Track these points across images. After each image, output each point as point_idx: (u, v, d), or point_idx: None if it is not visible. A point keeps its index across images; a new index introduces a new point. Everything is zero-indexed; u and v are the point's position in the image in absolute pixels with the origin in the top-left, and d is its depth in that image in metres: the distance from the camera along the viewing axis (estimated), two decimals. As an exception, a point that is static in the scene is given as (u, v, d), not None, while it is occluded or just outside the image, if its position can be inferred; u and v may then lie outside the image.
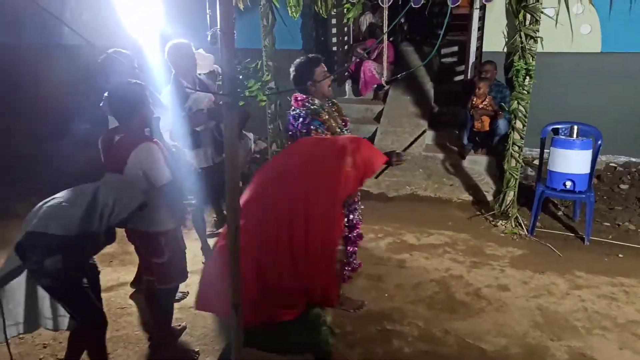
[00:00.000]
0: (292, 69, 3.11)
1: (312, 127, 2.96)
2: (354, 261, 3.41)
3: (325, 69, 3.08)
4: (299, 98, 3.08)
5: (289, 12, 4.99)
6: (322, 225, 2.25)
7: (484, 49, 6.29)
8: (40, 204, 2.42)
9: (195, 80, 3.67)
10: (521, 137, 4.52)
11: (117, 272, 4.03)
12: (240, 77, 1.83)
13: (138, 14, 3.68)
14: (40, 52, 7.31)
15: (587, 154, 4.19)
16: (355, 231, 3.31)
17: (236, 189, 2.02)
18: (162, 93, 3.58)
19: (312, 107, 3.03)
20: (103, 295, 3.64)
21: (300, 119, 3.01)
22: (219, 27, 1.77)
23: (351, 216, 3.24)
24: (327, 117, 3.06)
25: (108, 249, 4.34)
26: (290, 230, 2.24)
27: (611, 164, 5.91)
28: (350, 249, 3.34)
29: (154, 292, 2.97)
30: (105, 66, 3.47)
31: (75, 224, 2.32)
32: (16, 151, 6.48)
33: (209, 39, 3.26)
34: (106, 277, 3.93)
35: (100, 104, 3.33)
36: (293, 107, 3.10)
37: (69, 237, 2.31)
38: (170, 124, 3.50)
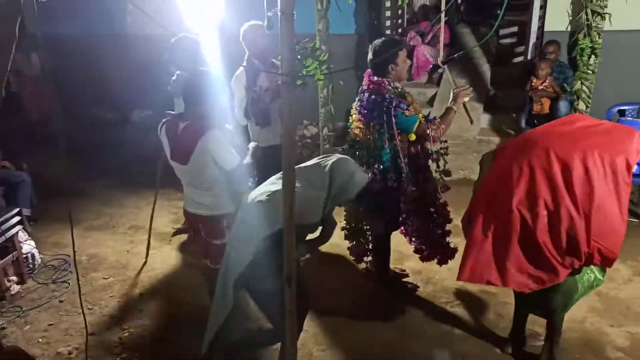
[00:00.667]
0: (371, 51, 3.01)
1: (399, 109, 2.87)
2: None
3: (406, 52, 3.02)
4: (375, 80, 2.98)
5: (344, -5, 4.98)
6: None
7: (545, 29, 6.01)
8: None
9: (268, 61, 3.70)
10: (584, 119, 4.32)
11: (176, 250, 4.24)
12: (299, 57, 1.88)
13: (197, 3, 3.80)
14: (106, 41, 7.69)
15: (656, 136, 3.95)
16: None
17: (292, 167, 2.08)
18: (236, 73, 3.67)
19: (397, 89, 2.98)
20: (162, 271, 3.91)
21: (386, 102, 2.88)
22: (279, 8, 1.83)
23: None
24: (411, 99, 3.02)
25: (168, 228, 4.60)
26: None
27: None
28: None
29: (211, 273, 3.09)
30: (176, 49, 3.61)
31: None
32: (85, 137, 6.88)
33: (265, 23, 3.32)
34: (166, 254, 4.17)
35: (168, 87, 3.46)
36: (367, 91, 3.01)
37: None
38: (243, 102, 3.62)
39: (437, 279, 3.61)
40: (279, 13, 1.76)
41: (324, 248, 4.11)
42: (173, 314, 3.38)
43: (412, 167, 3.04)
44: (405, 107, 2.90)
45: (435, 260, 3.32)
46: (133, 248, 4.27)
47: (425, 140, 3.03)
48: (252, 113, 3.64)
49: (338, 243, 3.51)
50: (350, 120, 3.19)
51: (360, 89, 3.11)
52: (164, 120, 2.90)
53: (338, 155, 2.46)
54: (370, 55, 3.01)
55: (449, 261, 3.28)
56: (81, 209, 4.93)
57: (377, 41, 3.02)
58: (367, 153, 3.08)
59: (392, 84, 2.98)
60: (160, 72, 4.17)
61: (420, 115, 2.97)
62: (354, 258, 3.52)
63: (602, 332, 2.99)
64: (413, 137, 2.94)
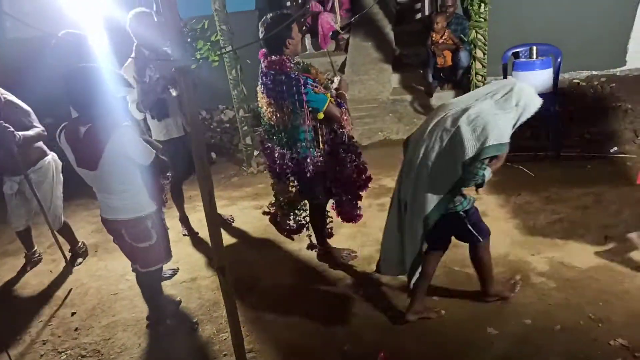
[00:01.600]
0: (262, 28, 2.88)
1: (309, 85, 2.80)
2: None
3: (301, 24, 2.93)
4: (275, 59, 2.85)
5: (235, -30, 4.82)
6: None
7: (438, -17, 6.21)
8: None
9: (159, 50, 3.53)
10: (483, 66, 4.55)
11: (103, 260, 4.04)
12: (189, 40, 1.80)
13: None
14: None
15: (548, 73, 4.26)
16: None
17: (204, 156, 2.02)
18: (124, 65, 3.49)
19: (299, 65, 2.90)
20: (92, 284, 3.71)
21: (294, 82, 2.78)
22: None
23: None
24: (315, 71, 2.95)
25: (91, 239, 4.37)
26: None
27: (574, 80, 6.01)
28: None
29: (141, 276, 2.98)
30: (58, 48, 3.34)
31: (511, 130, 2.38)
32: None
33: (154, 9, 3.17)
34: (93, 266, 3.97)
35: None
36: (269, 72, 2.87)
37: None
38: (135, 95, 3.43)
39: (371, 241, 3.69)
40: (159, -3, 1.67)
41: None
42: (110, 327, 3.23)
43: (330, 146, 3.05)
44: (313, 83, 2.84)
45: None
46: (56, 267, 4.01)
47: (335, 123, 2.99)
48: (144, 106, 3.47)
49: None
50: (260, 105, 3.07)
51: (260, 70, 2.98)
52: (61, 126, 2.68)
53: (514, 80, 2.51)
54: (262, 34, 2.88)
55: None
56: (-8, 235, 4.55)
57: (267, 18, 2.87)
58: (285, 135, 2.99)
59: (292, 60, 2.89)
60: (48, 75, 3.85)
61: (329, 95, 2.91)
62: (285, 234, 3.49)
63: (525, 261, 3.22)
64: (321, 115, 2.87)
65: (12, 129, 3.28)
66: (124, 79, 2.73)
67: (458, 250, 3.37)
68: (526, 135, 5.02)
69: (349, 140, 3.10)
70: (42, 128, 3.58)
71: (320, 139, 2.99)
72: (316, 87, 2.84)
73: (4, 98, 3.42)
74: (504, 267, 3.19)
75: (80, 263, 4.01)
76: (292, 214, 3.35)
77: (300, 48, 2.96)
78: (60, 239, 3.93)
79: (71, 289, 3.70)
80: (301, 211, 3.37)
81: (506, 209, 3.81)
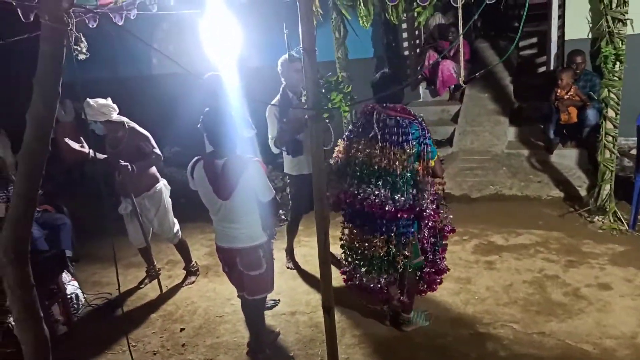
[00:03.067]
0: (380, 81, 3.07)
1: (428, 134, 2.97)
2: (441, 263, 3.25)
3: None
4: (400, 107, 2.99)
5: (360, 22, 5.08)
6: None
7: (566, 37, 5.98)
8: None
9: (302, 92, 3.83)
10: (615, 127, 4.25)
11: (213, 282, 4.30)
12: (323, 90, 1.94)
13: (219, 41, 3.94)
14: (134, 83, 8.00)
15: (693, 138, 3.85)
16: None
17: (324, 197, 2.12)
18: (272, 102, 3.78)
19: (419, 116, 3.03)
20: (201, 304, 3.95)
21: (420, 129, 2.92)
22: (301, 45, 1.90)
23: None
24: None
25: (204, 260, 4.68)
26: None
27: None
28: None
29: (247, 303, 3.13)
30: (203, 88, 3.75)
31: None
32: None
33: (287, 58, 3.45)
34: (203, 287, 4.23)
35: (198, 125, 3.57)
36: (390, 116, 2.94)
37: None
38: (275, 132, 3.73)
39: (476, 299, 3.54)
40: (302, 50, 1.82)
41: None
42: (213, 347, 3.41)
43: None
44: (430, 137, 2.98)
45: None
46: (171, 283, 4.35)
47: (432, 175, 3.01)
48: (280, 143, 3.73)
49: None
50: (354, 151, 3.06)
51: (365, 120, 3.05)
52: (195, 158, 2.96)
53: None
54: (379, 85, 3.06)
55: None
56: (119, 247, 5.04)
57: (386, 72, 3.11)
58: (389, 177, 2.93)
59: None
60: (188, 110, 4.31)
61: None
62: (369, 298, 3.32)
63: (655, 346, 2.87)
64: (432, 163, 2.96)
65: (129, 166, 3.80)
66: (249, 122, 2.99)
67: (574, 323, 3.12)
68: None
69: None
70: (159, 153, 4.05)
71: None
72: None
73: (128, 126, 3.95)
74: (628, 348, 2.86)
75: (192, 282, 4.32)
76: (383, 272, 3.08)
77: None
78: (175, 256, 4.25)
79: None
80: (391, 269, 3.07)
81: (634, 284, 3.44)
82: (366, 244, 3.06)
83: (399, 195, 2.90)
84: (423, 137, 2.92)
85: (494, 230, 4.53)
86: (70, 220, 4.79)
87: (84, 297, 4.12)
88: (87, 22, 3.33)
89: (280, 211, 3.28)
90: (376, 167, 2.96)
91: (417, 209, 2.91)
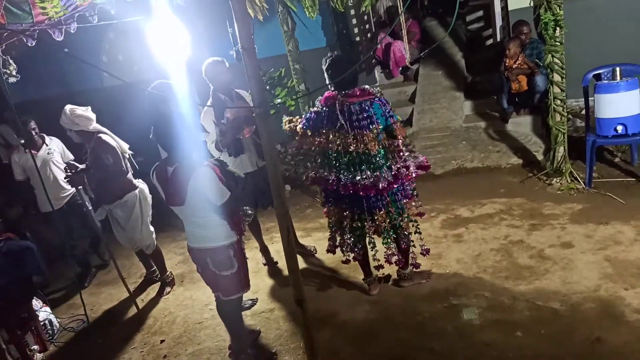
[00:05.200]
0: (328, 70, 3.16)
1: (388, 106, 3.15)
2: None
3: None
4: (362, 90, 3.11)
5: (307, 13, 5.08)
6: None
7: (509, 8, 6.12)
8: None
9: (232, 93, 3.86)
10: (562, 90, 4.39)
11: (189, 290, 4.27)
12: (267, 87, 1.94)
13: (167, 46, 3.89)
14: (86, 97, 7.78)
15: (635, 94, 4.01)
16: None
17: (282, 193, 2.14)
18: (204, 110, 3.80)
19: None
20: (179, 313, 3.93)
21: (383, 105, 3.09)
22: (239, 44, 1.89)
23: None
24: None
25: (178, 269, 4.64)
26: None
27: (667, 99, 5.59)
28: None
29: (223, 305, 3.13)
30: (152, 98, 3.70)
31: None
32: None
33: (234, 56, 3.44)
34: (179, 296, 4.20)
35: (150, 136, 3.55)
36: (353, 102, 3.07)
37: None
38: (213, 135, 3.73)
39: (448, 273, 3.63)
40: (240, 49, 1.82)
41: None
42: (195, 354, 3.40)
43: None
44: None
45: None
46: (147, 296, 4.30)
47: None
48: (222, 145, 3.74)
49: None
50: (321, 138, 3.22)
51: (329, 111, 3.17)
52: (154, 166, 2.96)
53: None
54: (329, 73, 3.16)
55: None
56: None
57: (333, 59, 3.17)
58: (363, 159, 3.10)
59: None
60: (143, 119, 4.25)
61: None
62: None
63: (618, 296, 3.00)
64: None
65: (82, 174, 3.93)
66: (201, 125, 3.00)
67: (541, 283, 3.24)
68: (614, 160, 4.75)
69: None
70: (122, 167, 4.02)
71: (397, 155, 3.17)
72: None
73: (97, 136, 3.94)
74: (593, 302, 2.99)
75: (168, 292, 4.28)
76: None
77: None
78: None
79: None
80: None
81: (594, 240, 3.59)
82: (366, 223, 3.28)
83: (383, 170, 3.09)
84: (387, 111, 3.08)
85: (460, 204, 4.64)
86: (34, 246, 4.66)
87: (58, 322, 4.04)
88: (25, 41, 3.24)
89: (245, 207, 3.28)
90: (355, 154, 3.12)
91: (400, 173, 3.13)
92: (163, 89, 3.69)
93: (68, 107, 3.81)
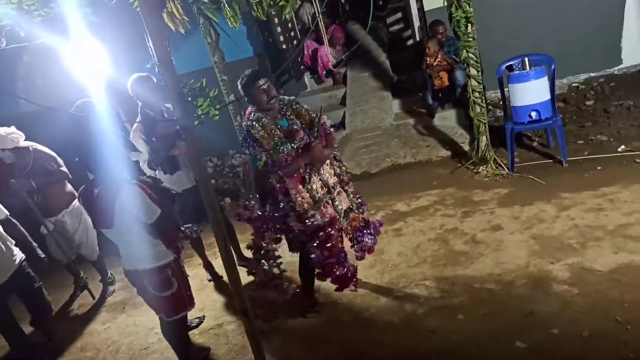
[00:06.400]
0: (239, 86, 2.97)
1: (251, 147, 2.88)
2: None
3: (262, 83, 2.87)
4: (248, 110, 3.07)
5: (229, 23, 5.05)
6: None
7: (425, 8, 6.40)
8: None
9: (162, 109, 3.73)
10: (479, 83, 4.63)
11: (131, 316, 4.11)
12: (189, 98, 1.92)
13: (86, 65, 3.74)
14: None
15: (543, 82, 4.32)
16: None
17: (215, 204, 2.12)
18: (133, 127, 3.69)
19: (249, 122, 2.93)
20: (123, 341, 3.78)
21: (247, 138, 2.90)
22: (155, 58, 1.87)
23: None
24: (262, 132, 2.90)
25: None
26: None
27: (574, 84, 6.06)
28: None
29: (167, 326, 3.04)
30: (75, 119, 3.54)
31: None
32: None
33: (156, 70, 3.36)
34: (122, 323, 4.04)
35: (76, 159, 3.39)
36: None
37: None
38: (145, 154, 3.61)
39: (390, 267, 3.72)
40: (157, 63, 1.80)
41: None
42: (144, 382, 3.29)
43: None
44: (253, 142, 2.88)
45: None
46: (87, 325, 4.10)
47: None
48: (155, 163, 3.64)
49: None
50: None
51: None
52: (80, 189, 2.85)
53: None
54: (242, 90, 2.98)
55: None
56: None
57: (241, 76, 2.94)
58: None
59: (253, 114, 2.97)
60: (68, 143, 4.07)
61: (264, 159, 2.90)
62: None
63: (545, 270, 3.21)
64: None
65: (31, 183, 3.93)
66: (129, 142, 2.91)
67: (476, 267, 3.40)
68: (532, 144, 5.07)
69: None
70: (65, 171, 4.16)
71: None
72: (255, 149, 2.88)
73: (33, 148, 4.03)
74: (524, 278, 3.18)
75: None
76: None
77: (266, 106, 2.91)
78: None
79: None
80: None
81: (520, 220, 3.82)
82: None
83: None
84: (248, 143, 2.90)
85: (396, 199, 4.78)
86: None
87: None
88: None
89: (189, 225, 3.21)
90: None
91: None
92: (85, 109, 3.54)
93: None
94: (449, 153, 5.37)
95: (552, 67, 4.52)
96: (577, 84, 6.08)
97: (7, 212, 3.81)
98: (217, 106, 1.95)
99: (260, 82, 2.87)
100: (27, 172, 3.96)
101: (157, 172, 3.71)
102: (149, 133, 3.59)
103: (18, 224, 3.86)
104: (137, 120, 3.68)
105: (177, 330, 3.06)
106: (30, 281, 3.73)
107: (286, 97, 3.09)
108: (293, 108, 3.06)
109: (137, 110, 3.73)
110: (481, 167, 4.76)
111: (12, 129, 3.96)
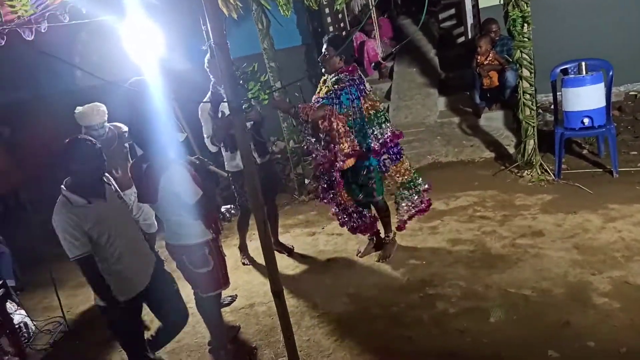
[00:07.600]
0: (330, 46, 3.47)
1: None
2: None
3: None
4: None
5: (281, 11, 5.09)
6: None
7: (480, 6, 6.26)
8: None
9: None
10: (531, 85, 4.51)
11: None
12: (241, 82, 1.97)
13: (141, 45, 3.87)
14: (58, 99, 7.66)
15: (600, 88, 4.16)
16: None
17: (256, 187, 2.16)
18: (204, 100, 3.80)
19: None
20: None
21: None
22: (211, 40, 1.92)
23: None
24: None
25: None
26: None
27: (631, 93, 5.80)
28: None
29: (202, 301, 3.14)
30: (129, 94, 3.69)
31: None
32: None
33: (207, 53, 3.44)
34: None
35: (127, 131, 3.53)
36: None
37: None
38: (210, 130, 3.72)
39: (424, 264, 3.70)
40: (213, 45, 1.84)
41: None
42: (175, 352, 3.40)
43: None
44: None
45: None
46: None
47: None
48: (217, 140, 3.72)
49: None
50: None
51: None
52: (131, 162, 2.97)
53: None
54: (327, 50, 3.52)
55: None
56: (64, 270, 4.89)
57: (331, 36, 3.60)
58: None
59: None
60: (120, 119, 4.23)
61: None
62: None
63: (586, 281, 3.12)
64: None
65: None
66: (178, 124, 2.99)
67: (513, 271, 3.34)
68: (582, 152, 4.90)
69: None
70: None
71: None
72: None
73: (113, 124, 4.14)
74: (562, 287, 3.10)
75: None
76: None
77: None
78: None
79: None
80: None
81: (563, 228, 3.71)
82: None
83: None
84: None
85: (435, 197, 4.68)
86: (9, 250, 4.59)
87: (34, 325, 3.98)
88: (-6, 40, 3.19)
89: (229, 206, 3.27)
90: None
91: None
92: (139, 86, 3.67)
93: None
94: (492, 155, 5.26)
95: (610, 73, 4.35)
96: (635, 93, 5.81)
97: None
98: (267, 91, 1.98)
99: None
100: (114, 147, 4.01)
101: (221, 148, 3.80)
102: (215, 110, 3.66)
103: None
104: (207, 96, 3.75)
105: (211, 307, 3.15)
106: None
107: None
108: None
109: (186, 94, 3.82)
110: (526, 171, 4.64)
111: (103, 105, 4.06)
